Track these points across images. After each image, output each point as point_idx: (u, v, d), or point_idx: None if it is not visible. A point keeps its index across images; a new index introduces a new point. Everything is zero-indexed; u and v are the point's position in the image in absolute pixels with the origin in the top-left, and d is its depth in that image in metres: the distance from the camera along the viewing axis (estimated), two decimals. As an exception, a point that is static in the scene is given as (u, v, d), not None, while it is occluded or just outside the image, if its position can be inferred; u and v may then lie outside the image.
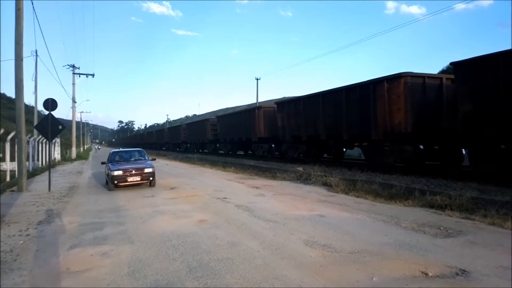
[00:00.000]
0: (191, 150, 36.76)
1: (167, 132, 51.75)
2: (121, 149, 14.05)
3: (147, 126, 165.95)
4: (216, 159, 23.08)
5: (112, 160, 12.44)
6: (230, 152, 27.61)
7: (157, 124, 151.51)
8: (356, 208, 7.54)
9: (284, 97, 42.48)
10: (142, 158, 13.04)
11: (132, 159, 12.84)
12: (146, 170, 11.46)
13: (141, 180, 11.35)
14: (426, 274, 3.84)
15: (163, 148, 52.36)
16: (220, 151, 30.57)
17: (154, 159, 13.62)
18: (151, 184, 11.74)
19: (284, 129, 18.38)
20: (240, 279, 3.79)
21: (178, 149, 44.59)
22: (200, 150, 34.32)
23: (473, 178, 9.16)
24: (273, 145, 21.22)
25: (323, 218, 6.64)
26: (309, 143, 16.88)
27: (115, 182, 10.97)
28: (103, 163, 13.03)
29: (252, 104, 51.60)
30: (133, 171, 11.26)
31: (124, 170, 11.19)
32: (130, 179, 11.14)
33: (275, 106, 19.83)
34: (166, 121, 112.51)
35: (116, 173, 11.03)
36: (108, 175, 11.66)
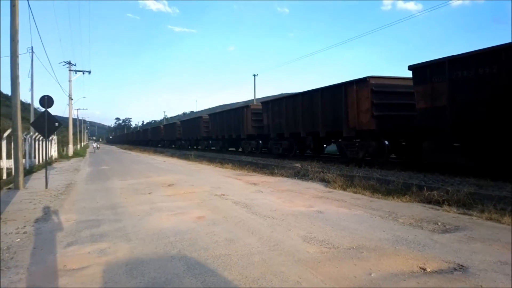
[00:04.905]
0: (166, 145, 48.71)
1: (150, 131, 62.83)
2: None
3: (145, 123, 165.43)
4: (214, 156, 23.22)
5: None
6: (189, 147, 39.10)
7: (155, 121, 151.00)
8: (353, 204, 7.55)
9: (282, 94, 44.78)
10: None
11: None
12: None
13: None
14: (424, 269, 3.85)
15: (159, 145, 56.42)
16: (184, 147, 41.72)
17: None
18: None
19: (212, 131, 29.64)
20: (238, 276, 3.78)
21: (158, 146, 53.98)
22: (173, 146, 46.06)
23: (469, 173, 9.19)
24: (210, 142, 31.66)
25: (321, 214, 6.64)
26: (223, 140, 28.28)
27: None
28: None
29: (250, 100, 53.31)
30: None
31: None
32: None
33: (208, 116, 31.25)
34: (164, 117, 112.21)
35: None
36: None
